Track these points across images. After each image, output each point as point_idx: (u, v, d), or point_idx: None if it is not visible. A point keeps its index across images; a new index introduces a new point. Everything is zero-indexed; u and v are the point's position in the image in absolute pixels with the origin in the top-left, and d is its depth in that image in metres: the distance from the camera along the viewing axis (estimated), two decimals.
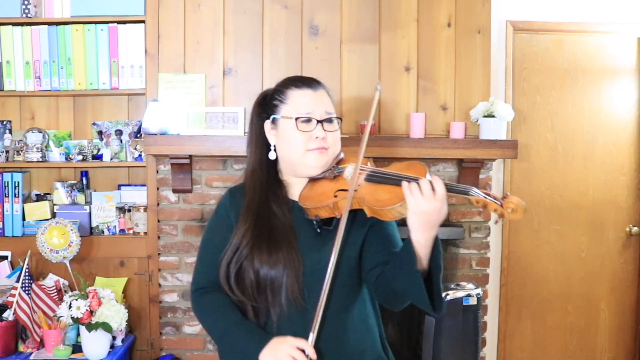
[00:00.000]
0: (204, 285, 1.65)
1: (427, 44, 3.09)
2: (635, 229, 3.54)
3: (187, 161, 2.94)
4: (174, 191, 3.05)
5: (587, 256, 3.55)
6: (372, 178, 1.53)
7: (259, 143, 1.66)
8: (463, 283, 3.03)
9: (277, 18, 3.04)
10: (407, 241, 1.44)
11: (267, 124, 1.64)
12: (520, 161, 3.38)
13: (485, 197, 1.38)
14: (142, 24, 3.04)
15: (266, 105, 1.66)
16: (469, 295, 2.91)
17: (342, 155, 1.67)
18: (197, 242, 3.05)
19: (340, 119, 1.67)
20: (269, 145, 1.65)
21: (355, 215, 1.56)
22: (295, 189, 1.65)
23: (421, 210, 1.36)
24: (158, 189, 3.07)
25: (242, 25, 3.04)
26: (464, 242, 3.17)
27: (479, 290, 2.94)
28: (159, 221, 3.07)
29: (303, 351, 1.46)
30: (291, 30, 3.05)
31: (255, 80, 3.04)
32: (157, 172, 3.06)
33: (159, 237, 3.08)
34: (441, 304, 1.45)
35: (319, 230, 1.58)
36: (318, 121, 1.59)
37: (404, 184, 1.40)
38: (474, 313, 2.93)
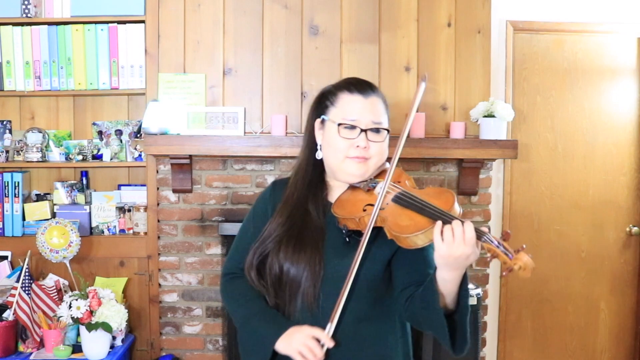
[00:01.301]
0: (234, 272, 1.68)
1: (427, 44, 3.09)
2: (635, 229, 3.53)
3: (187, 161, 2.94)
4: (174, 191, 3.05)
5: (587, 256, 3.55)
6: (400, 200, 1.48)
7: (309, 141, 1.65)
8: None
9: (277, 18, 3.04)
10: (431, 277, 1.41)
11: (317, 123, 1.63)
12: (520, 161, 3.38)
13: (497, 247, 1.34)
14: (142, 24, 3.04)
15: (321, 104, 1.65)
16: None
17: (386, 166, 1.63)
18: (197, 242, 3.08)
19: (388, 130, 1.60)
20: (317, 144, 1.63)
21: (382, 230, 1.51)
22: (335, 193, 1.63)
23: (448, 253, 1.32)
24: (158, 189, 3.07)
25: (242, 25, 3.04)
26: None
27: (479, 290, 2.93)
28: (159, 221, 3.07)
29: (318, 340, 1.45)
30: (291, 30, 3.05)
31: (255, 80, 3.04)
32: (157, 172, 3.06)
33: (159, 237, 3.08)
34: (463, 346, 1.42)
35: (347, 239, 1.55)
36: (362, 130, 1.55)
37: (438, 225, 1.35)
38: (474, 313, 2.93)
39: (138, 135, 3.15)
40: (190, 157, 2.95)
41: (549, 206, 3.51)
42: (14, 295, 2.72)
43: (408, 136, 1.57)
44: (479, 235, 1.34)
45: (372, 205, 1.49)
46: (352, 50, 3.07)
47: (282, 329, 1.51)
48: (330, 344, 1.45)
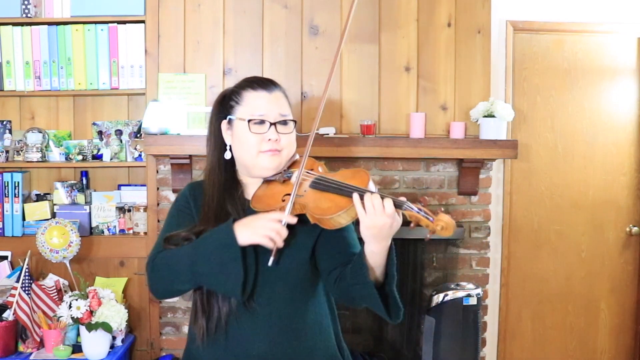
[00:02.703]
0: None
1: (427, 44, 3.09)
2: (635, 229, 3.53)
3: (187, 161, 2.94)
4: (174, 191, 3.04)
5: (587, 256, 3.55)
6: (317, 185, 1.53)
7: (217, 143, 1.67)
8: (463, 283, 3.04)
9: (277, 18, 3.04)
10: (360, 251, 1.49)
11: (224, 124, 1.65)
12: (520, 161, 3.38)
13: (417, 213, 1.40)
14: (142, 24, 3.04)
15: (224, 106, 1.67)
16: (469, 295, 2.91)
17: (296, 157, 1.67)
18: None
19: (295, 121, 1.66)
20: (226, 145, 1.66)
21: (305, 217, 1.55)
22: (251, 189, 1.66)
23: (372, 224, 1.40)
24: (158, 189, 3.07)
25: (242, 25, 3.04)
26: (464, 242, 3.17)
27: (479, 290, 2.94)
28: (159, 221, 3.07)
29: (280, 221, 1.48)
30: (291, 30, 3.05)
31: None
32: (157, 172, 3.06)
33: None
34: (398, 312, 1.51)
35: None
36: (271, 123, 1.59)
37: (356, 198, 1.42)
38: (474, 313, 2.93)
39: (138, 135, 3.15)
40: (190, 157, 2.95)
41: (549, 206, 3.51)
42: (14, 295, 2.72)
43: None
44: (398, 204, 1.41)
45: (289, 194, 1.54)
46: (352, 50, 3.07)
47: (229, 224, 1.48)
48: (292, 220, 1.48)
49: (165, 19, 3.02)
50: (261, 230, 1.46)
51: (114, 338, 2.81)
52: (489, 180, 3.17)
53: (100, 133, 3.17)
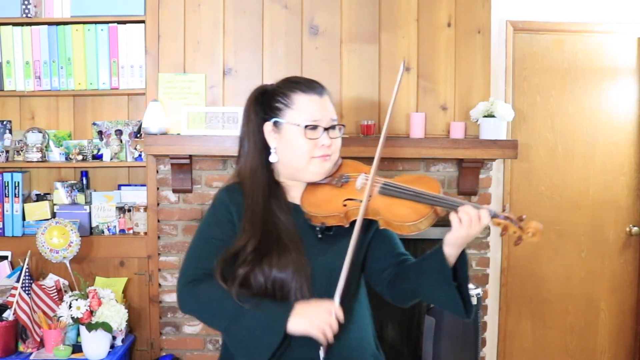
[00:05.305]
0: (198, 277, 1.57)
1: (427, 44, 3.09)
2: (635, 229, 3.53)
3: (187, 161, 2.95)
4: (174, 191, 3.05)
5: (587, 256, 3.55)
6: (387, 191, 1.53)
7: (258, 143, 1.62)
8: None
9: (277, 18, 3.05)
10: (439, 253, 1.48)
11: (268, 126, 1.61)
12: (520, 161, 3.38)
13: (505, 220, 1.41)
14: (142, 24, 3.04)
15: (266, 106, 1.63)
16: None
17: (340, 161, 1.67)
18: None
19: (343, 125, 1.66)
20: (268, 146, 1.62)
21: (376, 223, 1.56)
22: (294, 192, 1.64)
23: (465, 234, 1.43)
24: (158, 189, 3.07)
25: (242, 25, 3.04)
26: None
27: (479, 290, 2.93)
28: (159, 221, 3.07)
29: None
30: (291, 30, 3.05)
31: (255, 80, 3.04)
32: (157, 172, 3.06)
33: (159, 237, 3.08)
34: (472, 310, 1.55)
35: (320, 236, 1.58)
36: (325, 129, 1.58)
37: (453, 213, 1.43)
38: (474, 313, 2.93)
39: (138, 135, 3.15)
40: (190, 157, 2.95)
41: (549, 206, 3.51)
42: (14, 295, 2.72)
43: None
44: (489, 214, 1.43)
45: (352, 199, 1.54)
46: (352, 50, 3.07)
47: (289, 308, 1.46)
48: (342, 317, 1.46)
49: (165, 19, 3.02)
50: (317, 323, 1.44)
51: (114, 338, 2.81)
52: (489, 180, 3.17)
53: (100, 133, 3.17)
